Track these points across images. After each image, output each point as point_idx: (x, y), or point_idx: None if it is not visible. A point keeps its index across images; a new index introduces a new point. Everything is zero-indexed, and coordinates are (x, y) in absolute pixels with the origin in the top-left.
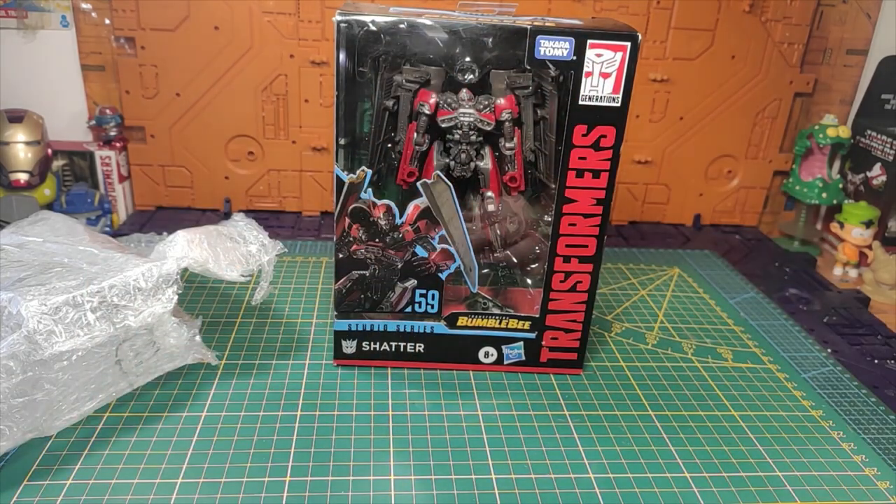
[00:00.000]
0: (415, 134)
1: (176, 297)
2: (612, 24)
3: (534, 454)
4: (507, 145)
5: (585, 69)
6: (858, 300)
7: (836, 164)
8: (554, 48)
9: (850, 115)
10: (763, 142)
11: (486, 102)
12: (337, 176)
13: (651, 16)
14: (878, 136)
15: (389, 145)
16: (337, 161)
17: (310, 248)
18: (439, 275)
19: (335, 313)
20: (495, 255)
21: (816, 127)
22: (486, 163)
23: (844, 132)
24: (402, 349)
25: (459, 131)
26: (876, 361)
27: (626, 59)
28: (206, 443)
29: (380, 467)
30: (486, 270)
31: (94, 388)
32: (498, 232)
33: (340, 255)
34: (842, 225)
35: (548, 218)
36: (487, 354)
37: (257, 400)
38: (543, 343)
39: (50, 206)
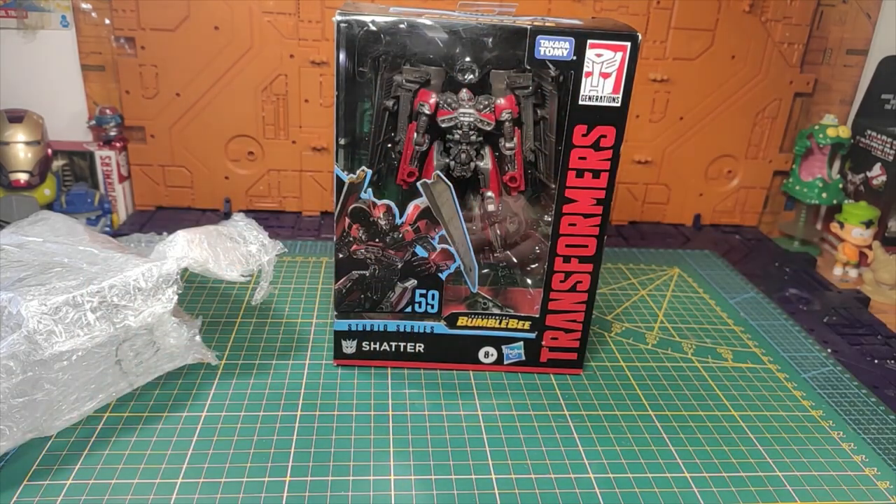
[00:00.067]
0: (415, 134)
1: (176, 297)
2: (612, 24)
3: (534, 454)
4: (507, 145)
5: (585, 69)
6: (858, 300)
7: (836, 164)
8: (554, 48)
9: (850, 115)
10: (763, 142)
11: (486, 102)
12: (337, 176)
13: (651, 16)
14: (878, 136)
15: (389, 145)
16: (337, 161)
17: (310, 248)
18: (439, 275)
19: (335, 313)
20: (495, 255)
21: (816, 127)
22: (486, 163)
23: (844, 132)
24: (402, 349)
25: (459, 131)
26: (876, 361)
27: (626, 59)
28: (206, 443)
29: (380, 467)
30: (486, 270)
31: (94, 388)
32: (498, 232)
33: (340, 255)
34: (842, 225)
35: (548, 218)
36: (487, 354)
37: (257, 400)
38: (543, 343)
39: (50, 206)
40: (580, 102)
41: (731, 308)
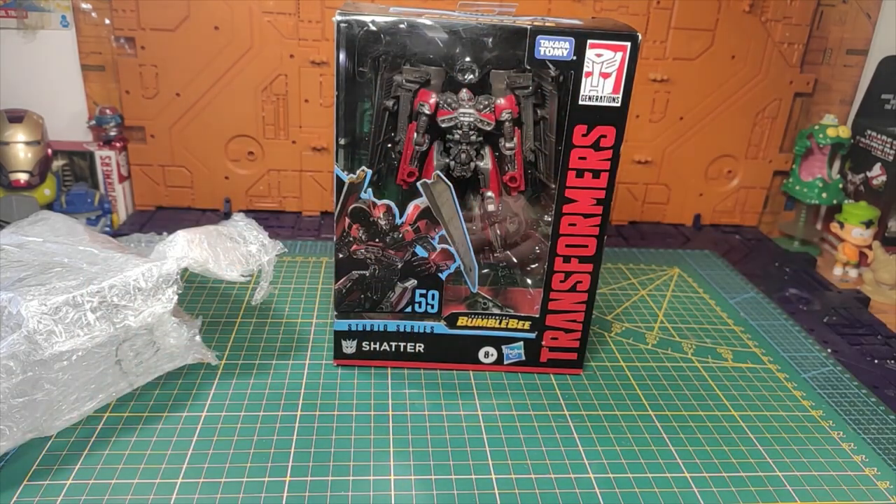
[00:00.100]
0: (415, 134)
1: (176, 297)
2: (612, 24)
3: (534, 454)
4: (507, 145)
5: (585, 69)
6: (858, 300)
7: (836, 164)
8: (554, 48)
9: (850, 115)
10: (763, 142)
11: (486, 102)
12: (337, 176)
13: (651, 16)
14: (878, 136)
15: (389, 145)
16: (337, 161)
17: (310, 248)
18: (439, 275)
19: (335, 313)
20: (495, 255)
21: (816, 127)
22: (486, 163)
23: (844, 132)
24: (402, 349)
25: (459, 131)
26: (876, 361)
27: (626, 59)
28: (206, 443)
29: (380, 467)
30: (486, 270)
31: (94, 388)
32: (498, 232)
33: (340, 255)
34: (842, 225)
35: (548, 218)
36: (487, 354)
37: (257, 400)
38: (543, 343)
39: (50, 206)
40: (580, 102)
41: (731, 308)
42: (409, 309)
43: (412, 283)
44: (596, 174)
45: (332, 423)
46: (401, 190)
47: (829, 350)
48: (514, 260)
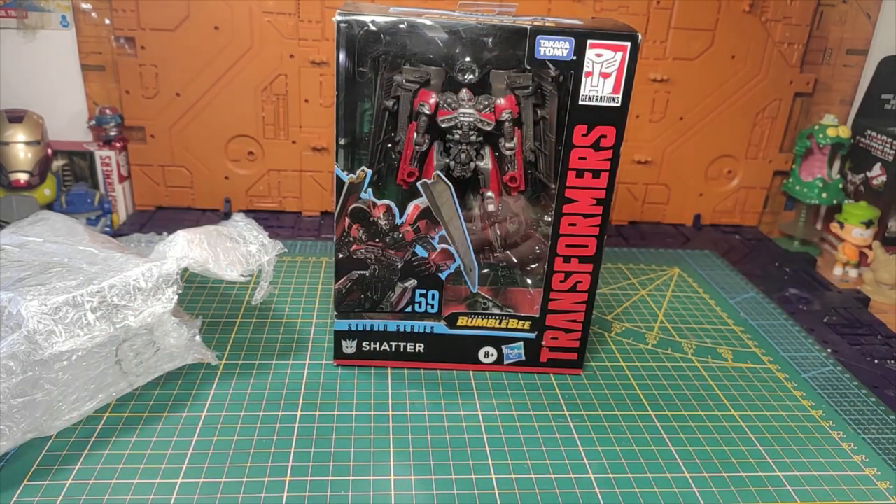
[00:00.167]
0: (415, 134)
1: (176, 297)
2: (612, 24)
3: (534, 454)
4: (507, 145)
5: (585, 69)
6: (858, 300)
7: (836, 164)
8: (554, 48)
9: (850, 115)
10: (763, 142)
11: (486, 102)
12: (337, 176)
13: (651, 16)
14: (878, 136)
15: (389, 145)
16: (337, 161)
17: (310, 248)
18: (439, 275)
19: (335, 313)
20: (495, 255)
21: (816, 127)
22: (486, 163)
23: (844, 132)
24: (402, 349)
25: (459, 131)
26: (876, 361)
27: (626, 59)
28: (206, 443)
29: (380, 467)
30: (486, 270)
31: (94, 388)
32: (498, 232)
33: (340, 255)
34: (842, 225)
35: (548, 218)
36: (487, 354)
37: (257, 400)
38: (543, 343)
39: (50, 206)
40: (580, 102)
41: (731, 308)
42: (409, 309)
43: (412, 283)
44: (596, 174)
45: (332, 423)
46: (401, 190)
47: (829, 350)
48: (514, 260)
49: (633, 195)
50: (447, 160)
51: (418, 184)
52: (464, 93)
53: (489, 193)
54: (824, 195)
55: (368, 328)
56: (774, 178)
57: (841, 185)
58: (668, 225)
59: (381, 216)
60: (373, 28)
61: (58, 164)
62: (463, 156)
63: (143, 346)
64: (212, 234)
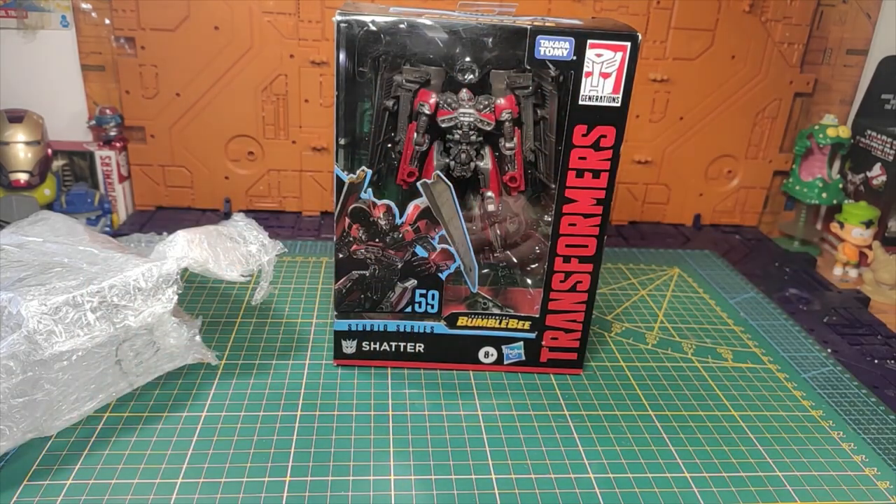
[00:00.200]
0: (415, 134)
1: (176, 297)
2: (612, 24)
3: (534, 454)
4: (507, 145)
5: (585, 69)
6: (858, 300)
7: (836, 164)
8: (554, 48)
9: (850, 115)
10: (763, 142)
11: (486, 102)
12: (337, 176)
13: (651, 16)
14: (878, 136)
15: (389, 145)
16: (337, 161)
17: (310, 248)
18: (439, 275)
19: (335, 313)
20: (495, 255)
21: (816, 127)
22: (486, 163)
23: (844, 132)
24: (402, 349)
25: (459, 131)
26: (876, 361)
27: (626, 59)
28: (206, 443)
29: (380, 467)
30: (486, 270)
31: (94, 388)
32: (498, 232)
33: (340, 255)
34: (842, 225)
35: (548, 218)
36: (487, 354)
37: (257, 400)
38: (543, 343)
39: (50, 206)
40: (580, 102)
41: (731, 308)
42: (409, 309)
43: (412, 283)
44: (596, 174)
45: (332, 423)
46: (401, 190)
47: (829, 350)
48: (514, 260)
49: (633, 195)
50: (447, 160)
51: (418, 184)
52: (464, 93)
53: (489, 193)
54: (824, 195)
55: (368, 328)
56: (774, 178)
57: (841, 185)
58: (668, 225)
59: (381, 216)
60: (373, 28)
61: (58, 164)
62: (463, 156)
63: (143, 346)
64: (212, 234)
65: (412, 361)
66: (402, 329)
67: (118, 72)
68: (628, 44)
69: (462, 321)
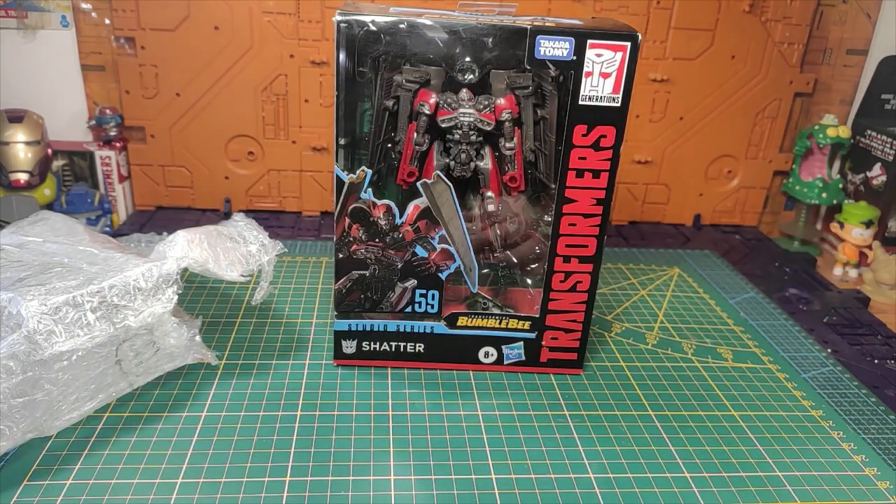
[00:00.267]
0: (415, 134)
1: (176, 297)
2: (612, 24)
3: (534, 454)
4: (507, 145)
5: (585, 69)
6: (858, 300)
7: (836, 164)
8: (554, 48)
9: (850, 115)
10: (763, 142)
11: (486, 102)
12: (337, 176)
13: (651, 16)
14: (878, 136)
15: (389, 145)
16: (337, 161)
17: (310, 248)
18: (439, 275)
19: (335, 313)
20: (495, 255)
21: (816, 127)
22: (486, 163)
23: (844, 132)
24: (402, 349)
25: (459, 131)
26: (876, 361)
27: (626, 59)
28: (206, 443)
29: (380, 467)
30: (486, 270)
31: (94, 388)
32: (498, 232)
33: (340, 255)
34: (842, 225)
35: (548, 218)
36: (487, 354)
37: (257, 400)
38: (543, 343)
39: (50, 206)
40: (580, 102)
41: (731, 308)
42: (409, 309)
43: (412, 283)
44: (596, 174)
45: (332, 423)
46: (401, 190)
47: (829, 350)
48: (514, 260)
49: (633, 195)
50: (447, 160)
51: (418, 184)
52: (464, 93)
53: (489, 193)
54: (824, 195)
55: (368, 328)
56: (774, 178)
57: (841, 185)
58: (668, 225)
59: (381, 216)
60: (373, 28)
61: (58, 164)
62: (463, 156)
63: (143, 346)
64: (212, 234)
65: (412, 361)
66: (402, 329)
67: (118, 72)
68: (628, 44)
69: (462, 321)
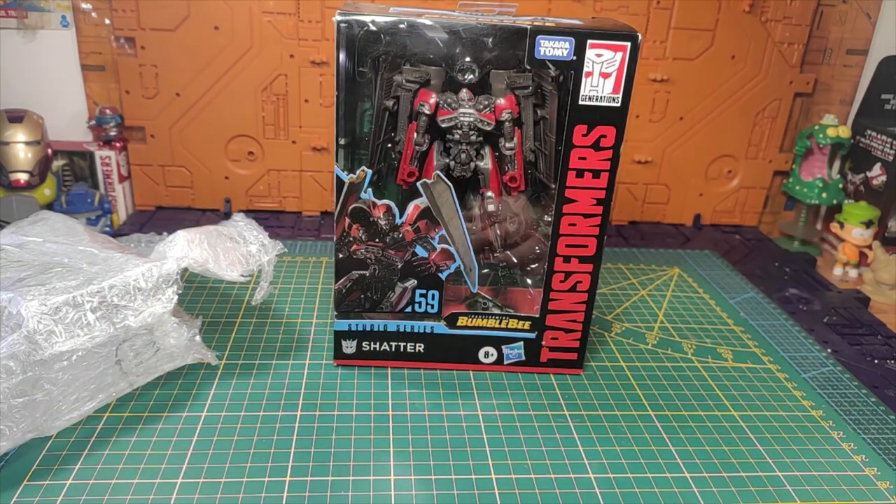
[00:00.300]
0: (415, 134)
1: (176, 297)
2: (612, 24)
3: (534, 454)
4: (507, 145)
5: (585, 69)
6: (858, 300)
7: (836, 164)
8: (554, 48)
9: (850, 115)
10: (763, 142)
11: (486, 102)
12: (337, 176)
13: (651, 16)
14: (878, 136)
15: (389, 145)
16: (337, 161)
17: (310, 248)
18: (439, 275)
19: (335, 313)
20: (495, 255)
21: (816, 127)
22: (486, 163)
23: (844, 132)
24: (402, 349)
25: (459, 131)
26: (876, 361)
27: (626, 59)
28: (206, 443)
29: (380, 467)
30: (486, 270)
31: (94, 388)
32: (498, 232)
33: (340, 255)
34: (842, 225)
35: (548, 218)
36: (487, 354)
37: (257, 400)
38: (543, 343)
39: (50, 206)
40: (580, 102)
41: (731, 308)
42: (409, 309)
43: (412, 283)
44: (596, 174)
45: (332, 423)
46: (401, 190)
47: (829, 350)
48: (514, 260)
49: (633, 195)
50: (447, 160)
51: (418, 184)
52: (464, 93)
53: (489, 193)
54: (824, 195)
55: (368, 328)
56: (774, 178)
57: (841, 185)
58: (668, 225)
59: (381, 216)
60: (373, 28)
61: (58, 164)
62: (463, 156)
63: (143, 346)
64: (212, 234)
65: (412, 361)
66: (402, 329)
67: (118, 72)
68: (628, 44)
69: (462, 321)
